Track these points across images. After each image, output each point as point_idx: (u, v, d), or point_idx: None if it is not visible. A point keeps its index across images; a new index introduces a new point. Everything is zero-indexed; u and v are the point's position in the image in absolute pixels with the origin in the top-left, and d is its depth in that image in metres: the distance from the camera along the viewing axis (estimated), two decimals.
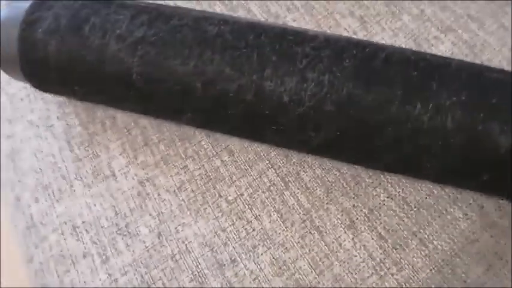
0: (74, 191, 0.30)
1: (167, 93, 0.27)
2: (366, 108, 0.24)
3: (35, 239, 0.29)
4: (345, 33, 0.34)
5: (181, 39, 0.26)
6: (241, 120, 0.27)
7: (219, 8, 0.36)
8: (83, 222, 0.29)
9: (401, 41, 0.33)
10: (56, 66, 0.28)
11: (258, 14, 0.36)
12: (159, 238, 0.28)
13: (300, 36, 0.26)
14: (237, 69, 0.25)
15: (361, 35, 0.34)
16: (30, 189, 0.31)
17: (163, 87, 0.26)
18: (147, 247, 0.28)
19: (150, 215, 0.29)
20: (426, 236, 0.27)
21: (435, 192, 0.28)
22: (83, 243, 0.28)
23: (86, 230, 0.29)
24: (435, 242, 0.27)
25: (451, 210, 0.27)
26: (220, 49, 0.26)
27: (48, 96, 0.34)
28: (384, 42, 0.33)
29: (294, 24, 0.35)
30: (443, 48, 0.32)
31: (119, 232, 0.29)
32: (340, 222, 0.28)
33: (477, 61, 0.32)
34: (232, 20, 0.27)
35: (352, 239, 0.27)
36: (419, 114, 0.23)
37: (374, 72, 0.24)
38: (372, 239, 0.27)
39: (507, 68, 0.31)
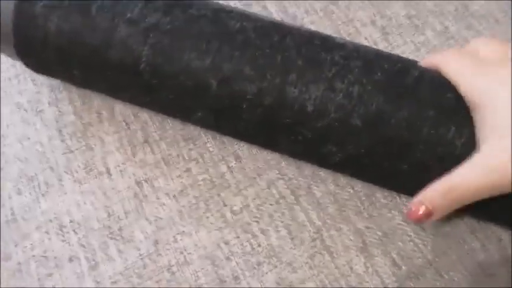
0: (63, 185, 0.27)
1: (177, 88, 0.24)
2: (395, 126, 0.22)
3: (15, 235, 0.26)
4: (365, 43, 0.32)
5: (199, 30, 0.24)
6: (257, 125, 0.24)
7: (232, 2, 0.34)
8: (71, 221, 0.26)
9: (423, 56, 0.31)
10: (55, 46, 0.25)
11: (274, 12, 0.34)
12: (155, 246, 0.26)
13: (328, 43, 0.24)
14: (258, 70, 0.23)
15: (381, 46, 0.32)
16: (12, 179, 0.28)
17: (173, 81, 0.24)
18: (141, 255, 0.25)
19: (147, 219, 0.26)
20: (442, 266, 0.25)
21: (453, 220, 0.26)
22: (70, 245, 0.26)
23: (73, 230, 0.26)
24: (451, 273, 0.25)
25: (469, 240, 0.26)
26: (241, 46, 0.23)
27: (39, 78, 0.31)
28: (405, 55, 0.32)
29: (312, 28, 0.33)
30: None
31: (111, 236, 0.26)
32: (352, 243, 0.26)
33: None
34: (255, 17, 0.25)
35: (365, 263, 0.25)
36: (452, 138, 0.22)
37: (406, 89, 0.23)
38: (385, 264, 0.25)
39: None
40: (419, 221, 0.22)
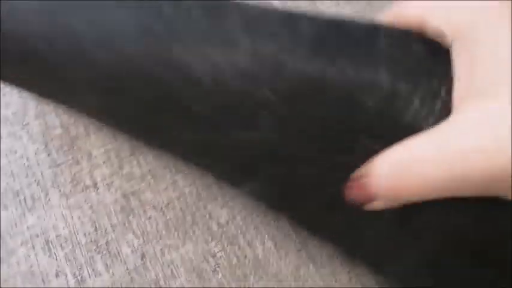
0: (49, 200, 0.27)
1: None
2: (332, 93, 0.17)
3: (1, 251, 0.26)
4: None
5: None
6: (148, 107, 0.20)
7: None
8: (58, 236, 0.26)
9: None
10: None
11: None
12: (142, 260, 0.26)
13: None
14: (139, 30, 0.18)
15: None
16: None
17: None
18: (128, 269, 0.26)
19: (134, 233, 0.27)
20: None
21: None
22: (56, 260, 0.26)
23: (60, 245, 0.26)
24: None
25: None
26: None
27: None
28: None
29: None
30: None
31: (97, 250, 0.26)
32: (336, 253, 0.26)
33: None
34: None
35: (348, 272, 0.26)
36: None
37: (344, 44, 0.18)
38: (369, 273, 0.26)
39: None
40: (360, 200, 0.16)
